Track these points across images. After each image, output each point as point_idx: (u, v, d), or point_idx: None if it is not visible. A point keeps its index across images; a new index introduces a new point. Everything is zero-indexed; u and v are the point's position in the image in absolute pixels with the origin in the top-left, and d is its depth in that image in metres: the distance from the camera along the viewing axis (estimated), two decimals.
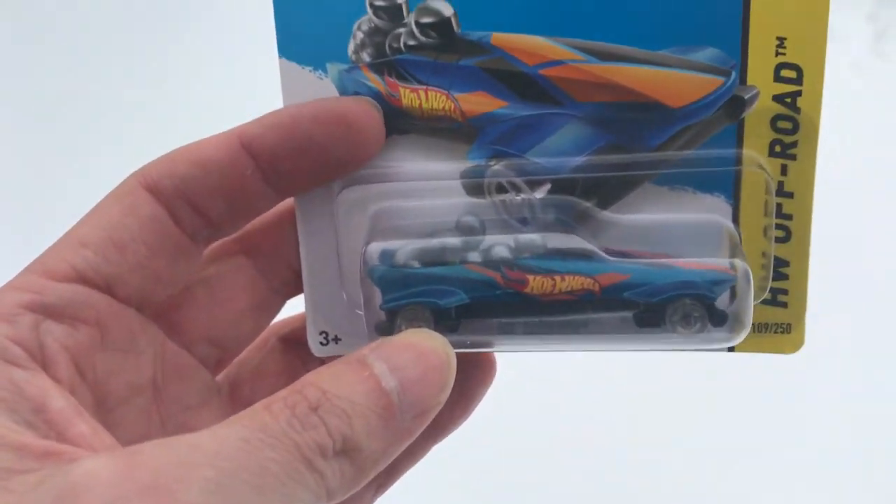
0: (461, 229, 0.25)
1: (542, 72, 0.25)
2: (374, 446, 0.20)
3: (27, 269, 0.22)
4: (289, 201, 0.26)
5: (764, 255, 0.26)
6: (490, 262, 0.24)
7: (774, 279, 0.26)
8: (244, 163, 0.24)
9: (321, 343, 0.28)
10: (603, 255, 0.24)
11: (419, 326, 0.24)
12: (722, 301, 0.24)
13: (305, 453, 0.19)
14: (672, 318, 0.23)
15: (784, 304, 0.26)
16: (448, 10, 0.25)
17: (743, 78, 0.24)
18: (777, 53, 0.24)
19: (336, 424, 0.20)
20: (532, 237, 0.24)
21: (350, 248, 0.26)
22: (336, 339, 0.28)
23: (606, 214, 0.25)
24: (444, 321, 0.25)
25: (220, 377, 0.27)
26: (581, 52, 0.25)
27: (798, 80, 0.24)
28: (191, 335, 0.26)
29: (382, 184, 0.26)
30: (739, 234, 0.25)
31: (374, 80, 0.26)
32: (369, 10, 0.25)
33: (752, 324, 0.26)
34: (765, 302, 0.26)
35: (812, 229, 0.25)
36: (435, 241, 0.25)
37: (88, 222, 0.23)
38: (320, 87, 0.26)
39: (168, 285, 0.25)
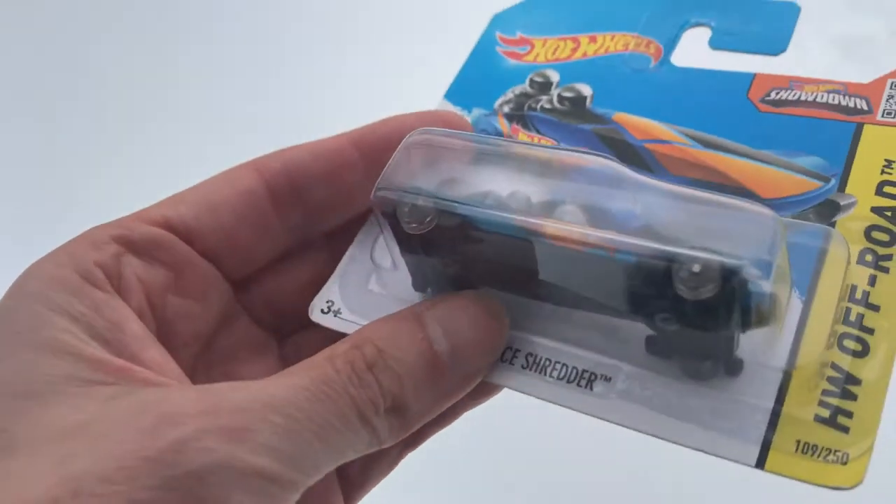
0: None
1: (647, 145, 0.26)
2: (420, 405, 0.22)
3: (128, 216, 0.24)
4: None
5: (833, 367, 0.21)
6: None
7: (837, 396, 0.20)
8: (351, 154, 0.26)
9: (322, 311, 0.26)
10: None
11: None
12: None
13: (361, 409, 0.20)
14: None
15: (845, 429, 0.20)
16: (587, 91, 0.28)
17: (843, 187, 0.23)
18: (883, 172, 0.23)
19: (388, 384, 0.21)
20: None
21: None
22: (337, 312, 0.26)
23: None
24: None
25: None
26: (688, 137, 0.26)
27: None
28: (256, 301, 0.27)
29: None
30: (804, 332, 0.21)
31: (502, 124, 0.29)
32: (526, 82, 0.29)
33: (798, 441, 0.20)
34: (819, 419, 0.20)
35: None
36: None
37: (193, 188, 0.25)
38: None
39: (248, 255, 0.26)
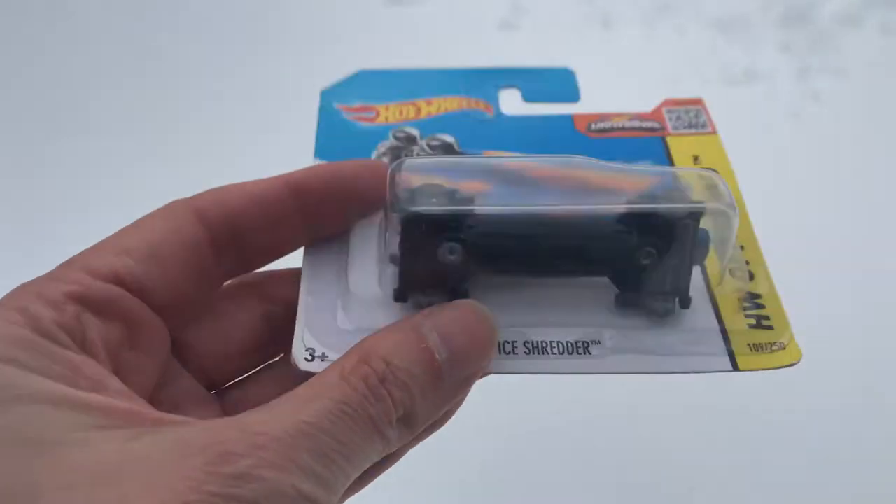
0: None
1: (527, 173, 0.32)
2: (426, 412, 0.23)
3: (68, 264, 0.23)
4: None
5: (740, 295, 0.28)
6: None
7: (755, 308, 0.28)
8: (288, 201, 0.27)
9: (306, 359, 0.25)
10: None
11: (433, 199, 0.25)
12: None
13: (377, 424, 0.22)
14: None
15: (770, 328, 0.27)
16: (450, 139, 0.33)
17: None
18: (696, 163, 0.32)
19: (399, 396, 0.22)
20: None
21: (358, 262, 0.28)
22: (323, 357, 0.26)
23: None
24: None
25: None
26: (552, 163, 0.32)
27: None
28: (189, 354, 0.26)
29: None
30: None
31: None
32: (390, 137, 0.33)
33: (751, 344, 0.27)
34: (751, 327, 0.27)
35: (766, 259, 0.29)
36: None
37: (133, 234, 0.25)
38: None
39: (189, 305, 0.26)
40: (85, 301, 0.22)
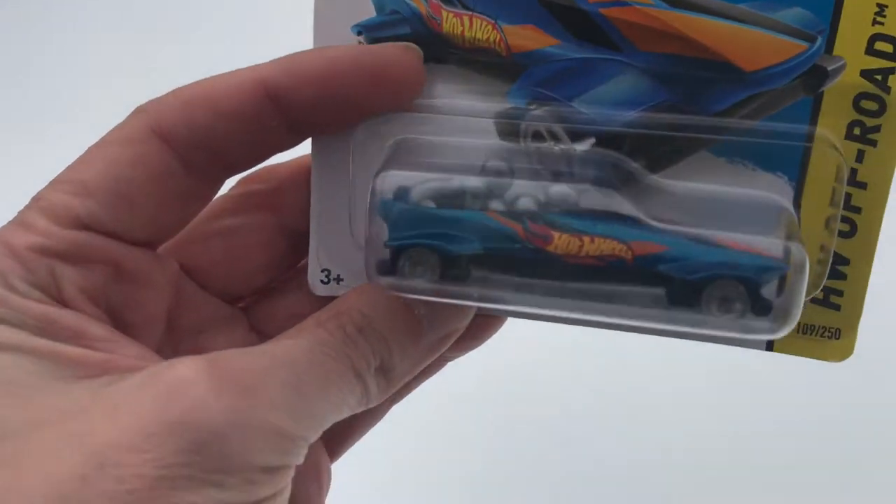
0: (487, 173, 0.22)
1: (602, 11, 0.22)
2: (404, 365, 0.23)
3: (30, 207, 0.22)
4: None
5: (823, 248, 0.23)
6: (513, 213, 0.21)
7: (830, 277, 0.23)
8: (270, 115, 0.22)
9: (322, 281, 0.25)
10: (643, 219, 0.21)
11: (424, 271, 0.22)
12: (770, 290, 0.22)
13: (356, 366, 0.22)
14: (710, 298, 0.21)
15: (837, 307, 0.23)
16: None
17: (830, 46, 0.22)
18: (875, 22, 0.21)
19: (377, 346, 0.22)
20: (565, 190, 0.22)
21: (364, 181, 0.24)
22: (338, 279, 0.25)
23: (654, 179, 0.22)
24: (453, 269, 0.22)
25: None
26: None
27: (894, 56, 0.21)
28: (207, 279, 0.26)
29: (407, 114, 0.23)
30: (799, 220, 0.22)
31: (418, 1, 0.23)
32: None
33: (799, 324, 0.23)
34: (815, 301, 0.23)
35: (882, 228, 0.23)
36: (456, 181, 0.22)
37: (93, 165, 0.22)
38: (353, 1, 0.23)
39: (178, 225, 0.24)
40: (53, 253, 0.21)
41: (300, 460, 0.20)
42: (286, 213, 0.26)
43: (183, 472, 0.18)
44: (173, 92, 0.22)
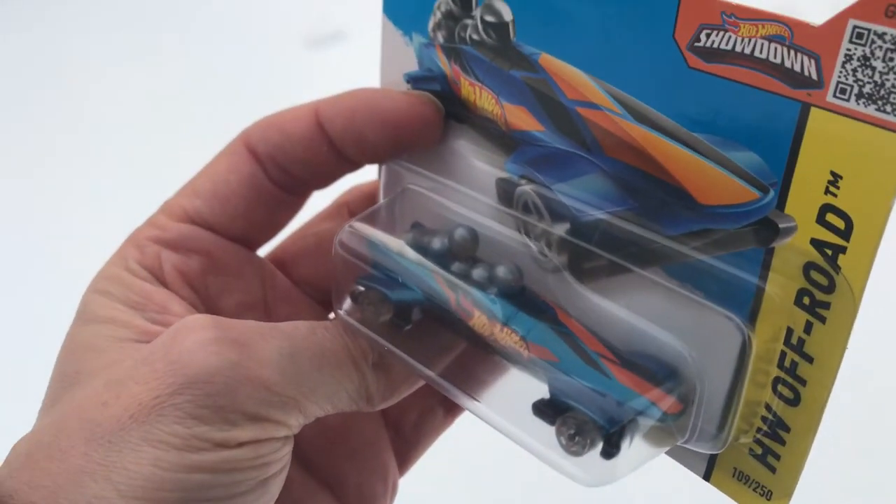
0: (457, 239, 0.24)
1: (578, 109, 0.22)
2: (401, 368, 0.24)
3: (160, 210, 0.27)
4: None
5: (767, 407, 0.21)
6: (452, 283, 0.23)
7: (769, 437, 0.21)
8: (320, 140, 0.26)
9: None
10: (557, 321, 0.22)
11: (377, 312, 0.25)
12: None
13: (352, 353, 0.23)
14: (563, 425, 0.21)
15: (773, 469, 0.21)
16: (508, 16, 0.23)
17: (783, 202, 0.19)
18: (827, 191, 0.18)
19: (375, 343, 0.24)
20: (508, 275, 0.23)
21: None
22: None
23: (588, 289, 0.22)
24: (403, 314, 0.25)
25: None
26: (618, 103, 0.21)
27: (845, 235, 0.18)
28: (299, 275, 0.29)
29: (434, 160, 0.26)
30: (703, 385, 0.20)
31: (444, 63, 0.25)
32: None
33: (735, 468, 0.22)
34: (753, 454, 0.21)
35: (827, 404, 0.19)
36: (426, 239, 0.25)
37: (203, 174, 0.27)
38: (406, 54, 0.26)
39: (269, 228, 0.28)
40: (163, 241, 0.26)
41: (290, 421, 0.22)
42: None
43: (172, 402, 0.21)
44: (265, 117, 0.27)
